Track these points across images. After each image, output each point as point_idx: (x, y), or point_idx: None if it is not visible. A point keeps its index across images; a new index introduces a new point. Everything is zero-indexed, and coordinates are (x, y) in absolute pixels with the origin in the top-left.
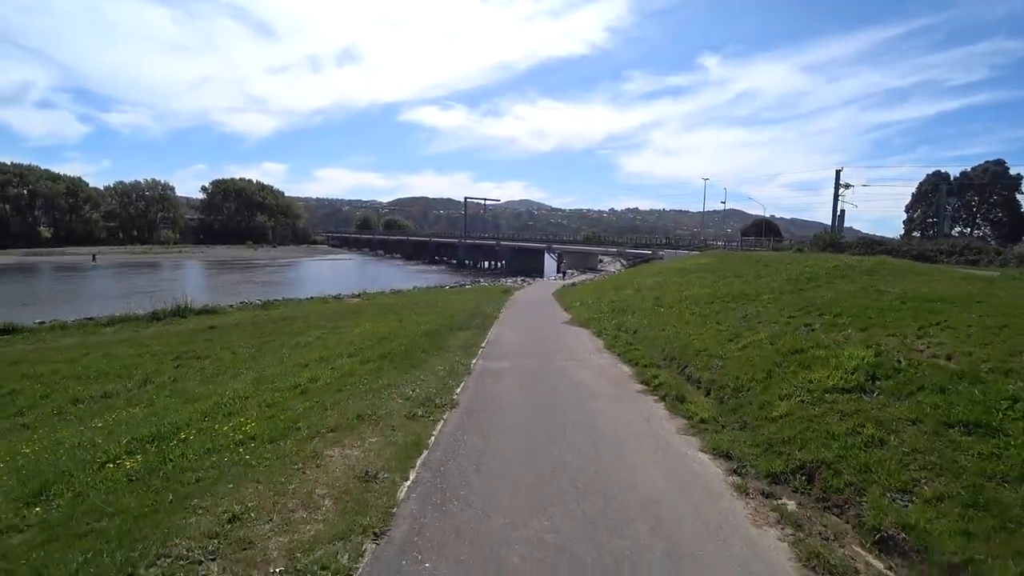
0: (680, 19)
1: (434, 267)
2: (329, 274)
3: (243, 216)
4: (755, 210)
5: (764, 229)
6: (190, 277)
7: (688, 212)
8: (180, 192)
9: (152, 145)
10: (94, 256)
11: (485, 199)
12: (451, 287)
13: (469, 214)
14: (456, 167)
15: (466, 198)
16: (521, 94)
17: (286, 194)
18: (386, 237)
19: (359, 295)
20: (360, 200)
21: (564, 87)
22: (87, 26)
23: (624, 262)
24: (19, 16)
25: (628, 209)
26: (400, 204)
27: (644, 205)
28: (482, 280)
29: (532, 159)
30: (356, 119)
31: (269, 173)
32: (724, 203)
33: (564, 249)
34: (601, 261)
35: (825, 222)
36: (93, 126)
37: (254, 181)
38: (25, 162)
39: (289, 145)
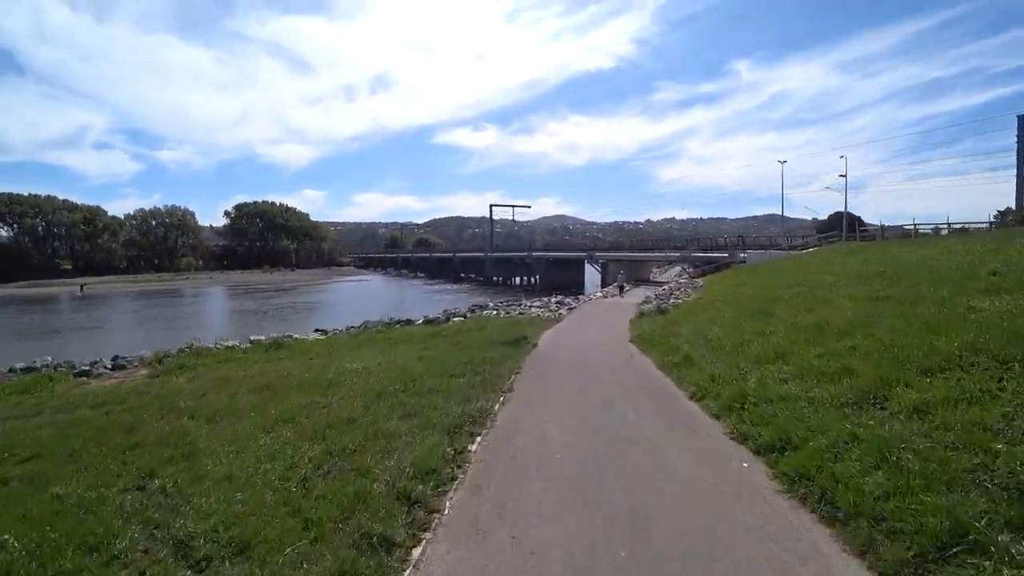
0: (706, 26)
1: (456, 286)
2: (330, 299)
3: (266, 240)
4: (797, 214)
5: (846, 222)
6: (168, 308)
7: (727, 219)
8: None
9: (199, 178)
10: (81, 287)
11: (514, 206)
12: (422, 322)
13: (503, 231)
14: (489, 186)
15: (492, 205)
16: (551, 111)
17: (323, 219)
18: (409, 255)
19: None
20: (396, 222)
21: (594, 101)
22: (140, 70)
23: (690, 269)
24: (80, 65)
25: (665, 219)
26: (435, 224)
27: (681, 215)
28: (492, 310)
29: (565, 174)
30: (390, 144)
31: (308, 200)
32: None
33: (610, 257)
34: (652, 272)
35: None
36: (145, 164)
37: (277, 204)
38: (79, 199)
39: (327, 172)
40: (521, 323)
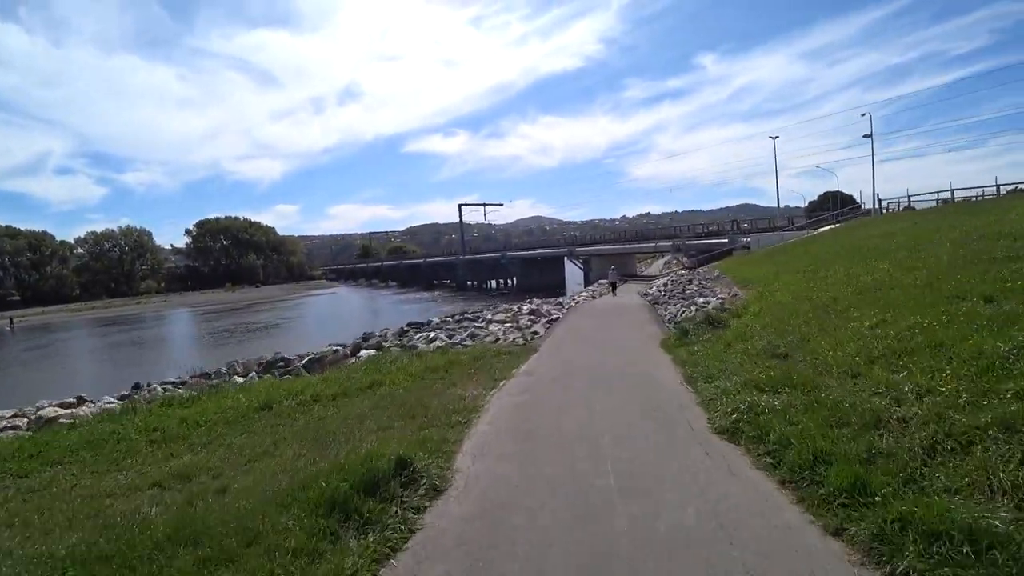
0: (671, 23)
1: (427, 294)
2: (286, 316)
3: (232, 257)
4: (767, 202)
5: (839, 200)
6: (99, 339)
7: (701, 211)
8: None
9: (167, 199)
10: (11, 320)
11: (485, 205)
12: (297, 365)
13: (479, 235)
14: (464, 191)
15: (460, 205)
16: (521, 113)
17: (298, 233)
18: (379, 264)
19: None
20: (373, 232)
21: (564, 102)
22: (101, 92)
23: (684, 259)
24: (38, 90)
25: (640, 215)
26: (413, 232)
27: (656, 209)
28: (431, 331)
29: (538, 175)
30: (363, 154)
31: (282, 215)
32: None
33: (593, 252)
34: (637, 267)
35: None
36: (110, 187)
37: (241, 219)
38: (42, 227)
39: (300, 186)
40: (455, 369)
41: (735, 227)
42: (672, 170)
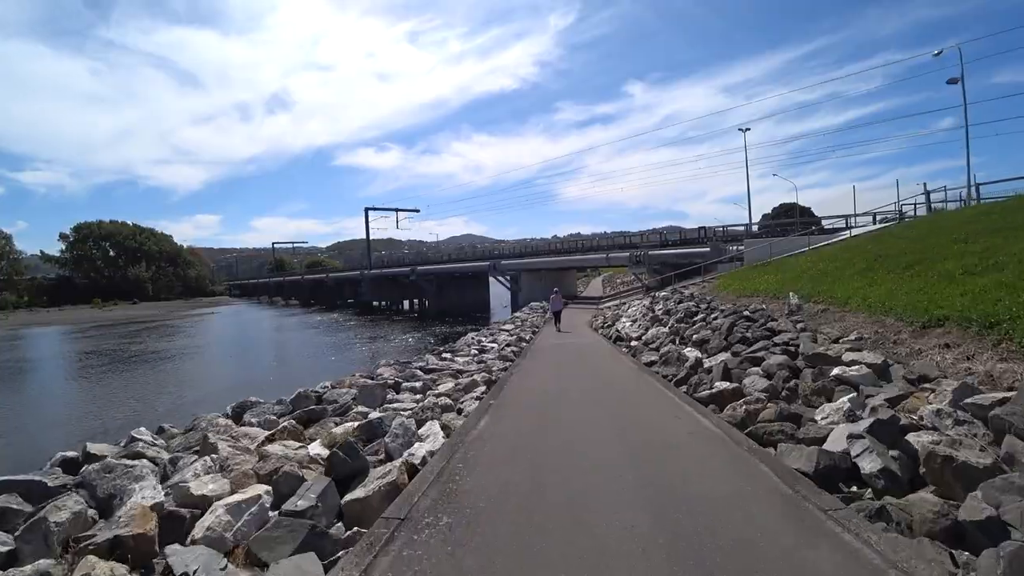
0: (605, 51)
1: (324, 316)
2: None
3: (116, 268)
4: (690, 224)
5: (798, 211)
6: None
7: (629, 232)
8: None
9: (71, 203)
10: None
11: (397, 209)
12: None
13: (410, 252)
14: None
15: (367, 209)
16: (456, 131)
17: (219, 245)
18: (282, 280)
19: None
20: (299, 246)
21: (498, 121)
22: None
23: (645, 276)
24: None
25: (571, 235)
26: (340, 248)
27: (586, 230)
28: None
29: (471, 194)
30: (290, 165)
31: (202, 225)
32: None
33: (523, 266)
34: (578, 283)
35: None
36: (3, 187)
37: (130, 224)
38: None
39: (222, 196)
40: None
41: (708, 234)
42: (602, 192)
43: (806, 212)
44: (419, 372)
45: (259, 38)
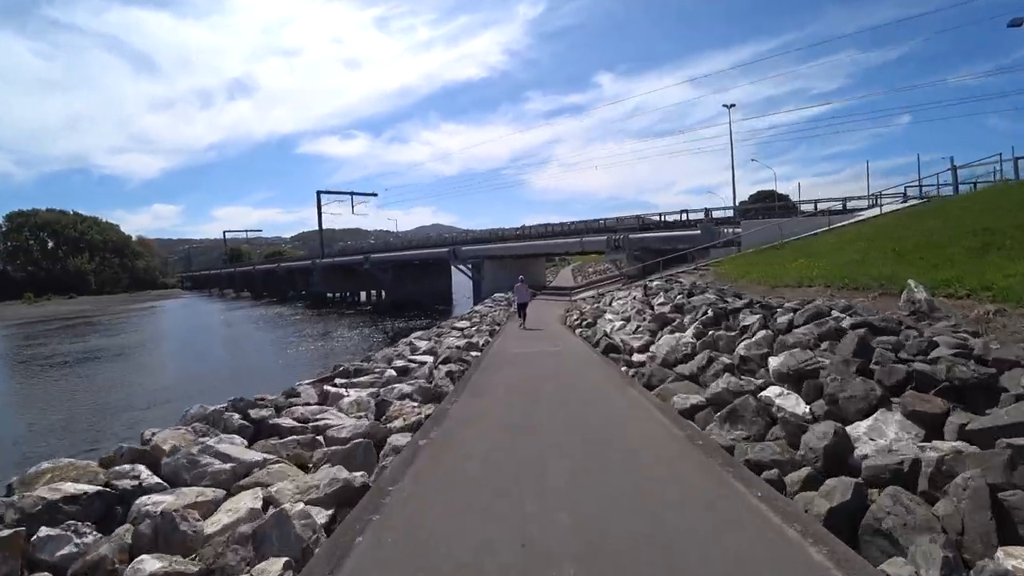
0: (574, 40)
1: (271, 310)
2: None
3: (56, 259)
4: (649, 213)
5: (776, 197)
6: None
7: (599, 220)
8: None
9: (18, 193)
10: None
11: (352, 193)
12: None
13: (376, 241)
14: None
15: (319, 192)
16: (424, 119)
17: (179, 235)
18: (233, 272)
19: None
20: (255, 235)
21: (466, 110)
22: None
23: (624, 265)
24: None
25: (541, 224)
26: (304, 238)
27: (555, 219)
28: None
29: (439, 183)
30: (253, 153)
31: (161, 215)
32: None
33: (485, 252)
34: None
35: None
36: None
37: (71, 213)
38: None
39: (182, 185)
40: None
41: (707, 217)
42: (570, 182)
43: (784, 199)
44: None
45: (220, 21)
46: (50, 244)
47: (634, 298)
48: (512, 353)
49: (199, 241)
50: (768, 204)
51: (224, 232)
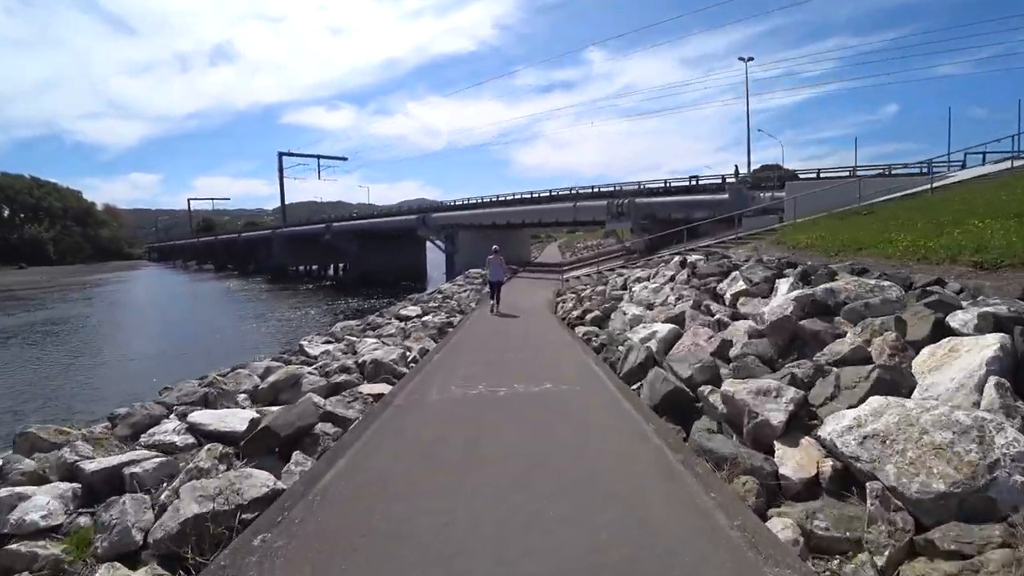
0: (566, 15)
1: (227, 283)
2: None
3: (12, 227)
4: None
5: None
6: None
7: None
8: None
9: None
10: None
11: (320, 156)
12: None
13: (360, 214)
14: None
15: (281, 154)
16: (411, 92)
17: (158, 206)
18: (196, 242)
19: None
20: (243, 209)
21: (454, 83)
22: None
23: (627, 239)
24: None
25: (525, 191)
26: (288, 210)
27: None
28: None
29: (425, 157)
30: (236, 122)
31: (140, 185)
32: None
33: (459, 220)
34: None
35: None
36: None
37: (26, 177)
38: None
39: (161, 153)
40: None
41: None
42: (559, 160)
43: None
44: None
45: None
46: (6, 211)
47: (673, 280)
48: (455, 399)
49: (179, 212)
50: (782, 172)
51: (189, 200)
